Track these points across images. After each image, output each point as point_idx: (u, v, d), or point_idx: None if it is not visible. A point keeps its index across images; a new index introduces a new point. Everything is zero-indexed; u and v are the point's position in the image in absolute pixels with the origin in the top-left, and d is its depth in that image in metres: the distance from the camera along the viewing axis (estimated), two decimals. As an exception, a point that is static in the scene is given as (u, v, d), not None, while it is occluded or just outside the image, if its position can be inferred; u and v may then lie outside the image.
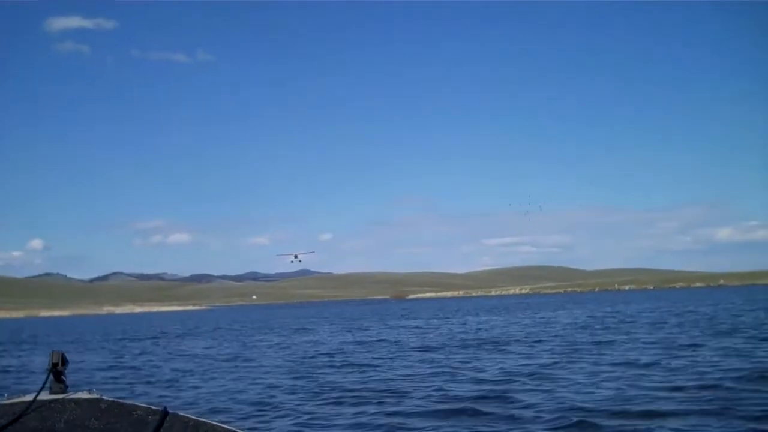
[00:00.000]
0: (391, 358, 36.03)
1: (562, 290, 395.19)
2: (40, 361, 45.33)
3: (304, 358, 39.05)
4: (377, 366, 32.27)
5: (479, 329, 60.96)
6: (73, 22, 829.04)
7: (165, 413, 4.88)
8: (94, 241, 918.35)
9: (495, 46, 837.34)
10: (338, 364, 33.87)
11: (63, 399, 5.09)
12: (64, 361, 5.29)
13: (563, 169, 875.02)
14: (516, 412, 18.56)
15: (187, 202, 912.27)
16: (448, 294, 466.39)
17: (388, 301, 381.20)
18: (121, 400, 5.13)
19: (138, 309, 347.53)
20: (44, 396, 5.11)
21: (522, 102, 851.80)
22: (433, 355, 37.12)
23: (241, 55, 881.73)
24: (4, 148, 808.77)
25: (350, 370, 30.88)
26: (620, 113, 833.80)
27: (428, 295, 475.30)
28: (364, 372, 30.00)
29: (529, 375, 25.98)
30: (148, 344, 61.78)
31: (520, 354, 35.04)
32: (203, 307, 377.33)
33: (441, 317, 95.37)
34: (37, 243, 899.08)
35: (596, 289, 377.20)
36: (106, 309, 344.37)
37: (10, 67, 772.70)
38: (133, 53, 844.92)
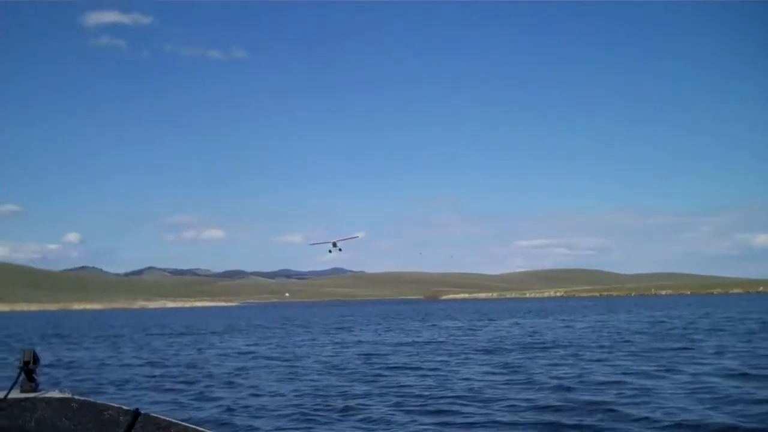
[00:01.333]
0: (457, 362, 34.44)
1: (597, 294, 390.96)
2: (78, 356, 44.29)
3: (363, 357, 37.57)
4: (446, 369, 30.70)
5: (533, 332, 59.26)
6: (110, 16, 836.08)
7: (137, 414, 4.87)
8: (129, 236, 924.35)
9: (526, 47, 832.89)
10: (402, 366, 32.37)
11: (34, 398, 5.07)
12: (36, 360, 5.28)
13: (598, 170, 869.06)
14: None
15: (221, 199, 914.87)
16: (482, 295, 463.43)
17: (421, 301, 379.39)
18: (92, 400, 5.10)
19: (170, 304, 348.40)
20: (15, 395, 5.08)
21: (557, 103, 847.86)
22: (500, 358, 35.51)
23: (275, 52, 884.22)
24: (41, 143, 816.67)
25: (420, 374, 29.35)
26: (657, 116, 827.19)
27: (461, 296, 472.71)
28: (436, 376, 28.43)
29: (622, 384, 24.29)
30: (190, 340, 60.73)
31: (597, 360, 33.24)
32: (236, 304, 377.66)
33: (485, 319, 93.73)
34: (73, 236, 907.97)
35: (632, 294, 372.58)
36: (139, 303, 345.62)
37: (46, 61, 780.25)
38: (168, 48, 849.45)
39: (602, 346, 41.01)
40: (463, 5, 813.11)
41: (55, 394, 5.18)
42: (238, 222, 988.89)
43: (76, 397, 5.12)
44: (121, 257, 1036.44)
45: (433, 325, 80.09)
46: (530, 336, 53.81)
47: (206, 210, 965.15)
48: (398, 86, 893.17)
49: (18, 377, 5.24)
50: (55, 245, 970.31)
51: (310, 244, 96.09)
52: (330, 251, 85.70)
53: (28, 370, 5.24)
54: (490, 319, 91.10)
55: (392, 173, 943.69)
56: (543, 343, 45.61)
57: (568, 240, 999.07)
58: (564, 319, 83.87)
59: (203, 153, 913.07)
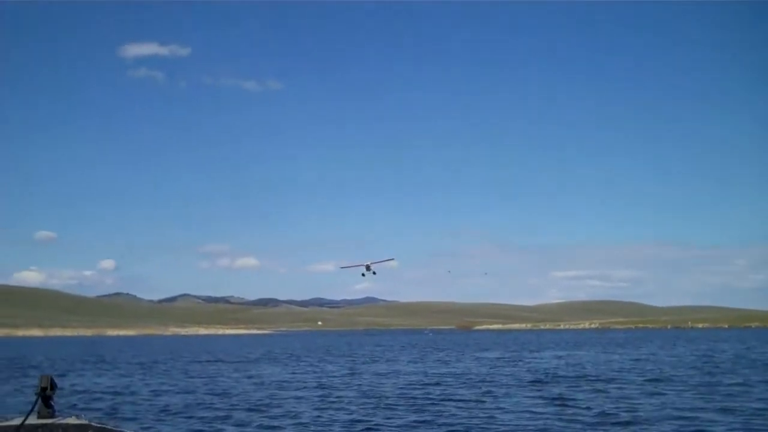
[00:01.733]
0: (503, 393, 32.90)
1: (632, 326, 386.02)
2: (107, 384, 43.31)
3: (406, 388, 36.20)
4: (491, 403, 29.22)
5: (578, 364, 57.52)
6: (149, 48, 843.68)
7: None
8: (163, 263, 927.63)
9: (560, 79, 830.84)
10: (446, 398, 30.95)
11: (51, 424, 5.06)
12: (53, 386, 5.28)
13: (632, 202, 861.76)
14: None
15: (255, 227, 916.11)
16: (516, 326, 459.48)
17: (454, 331, 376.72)
18: (109, 427, 5.20)
19: (203, 331, 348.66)
20: (32, 420, 5.07)
21: (592, 134, 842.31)
22: (556, 389, 33.93)
23: (309, 83, 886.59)
24: (78, 171, 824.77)
25: (461, 406, 27.90)
26: (692, 149, 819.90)
27: (495, 327, 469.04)
28: (479, 409, 26.94)
29: (684, 419, 22.72)
30: (223, 368, 59.71)
31: (652, 394, 31.56)
32: (268, 332, 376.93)
33: (526, 349, 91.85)
34: (108, 263, 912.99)
35: (668, 326, 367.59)
36: (172, 330, 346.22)
37: (84, 92, 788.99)
38: (205, 80, 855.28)
39: (655, 380, 39.36)
40: (496, 33, 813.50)
41: (72, 420, 5.11)
42: (272, 250, 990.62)
43: (94, 423, 5.12)
44: (155, 284, 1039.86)
45: (476, 357, 78.10)
46: (575, 368, 52.14)
47: (240, 238, 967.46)
48: (433, 114, 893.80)
49: (35, 403, 5.29)
50: (90, 271, 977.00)
51: (342, 267, 77.29)
52: (363, 275, 76.58)
53: (45, 396, 5.23)
54: (530, 350, 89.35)
55: (426, 203, 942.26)
56: (592, 375, 43.97)
57: (602, 271, 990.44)
58: (607, 352, 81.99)
59: (238, 181, 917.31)
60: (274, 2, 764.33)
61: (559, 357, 71.18)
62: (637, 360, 63.13)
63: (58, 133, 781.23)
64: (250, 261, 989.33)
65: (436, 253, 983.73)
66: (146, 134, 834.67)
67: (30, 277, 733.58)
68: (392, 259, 73.13)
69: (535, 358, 71.51)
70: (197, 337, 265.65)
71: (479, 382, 40.79)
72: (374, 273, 77.37)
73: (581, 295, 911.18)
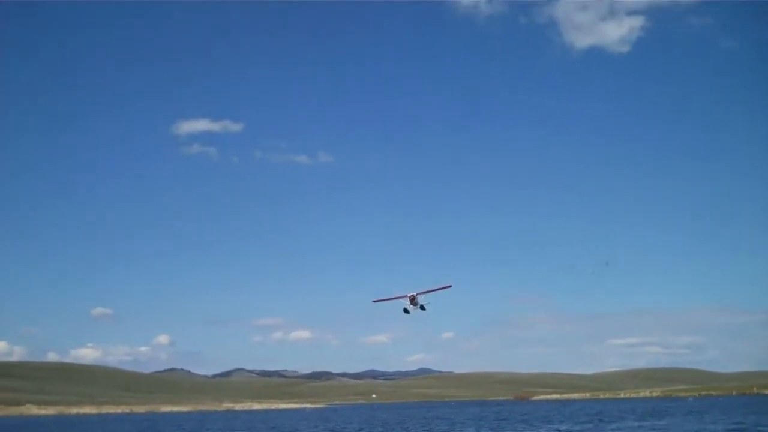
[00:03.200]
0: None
1: (696, 393, 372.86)
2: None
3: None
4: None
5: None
6: (201, 125, 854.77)
7: None
8: (217, 338, 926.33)
9: (618, 147, 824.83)
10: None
11: None
12: None
13: (690, 267, 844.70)
14: None
15: (308, 300, 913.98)
16: (574, 396, 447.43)
17: (511, 402, 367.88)
18: None
19: (257, 406, 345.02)
20: None
21: (650, 201, 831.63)
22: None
23: (359, 156, 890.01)
24: (134, 249, 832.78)
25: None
26: (751, 210, 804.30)
27: (553, 396, 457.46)
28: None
29: None
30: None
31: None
32: (323, 405, 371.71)
33: (596, 420, 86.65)
34: (163, 339, 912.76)
35: (733, 393, 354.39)
36: (226, 405, 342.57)
37: (140, 170, 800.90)
38: (257, 155, 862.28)
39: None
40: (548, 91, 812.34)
41: None
42: (325, 323, 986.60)
43: None
44: (210, 359, 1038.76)
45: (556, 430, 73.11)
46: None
47: (293, 311, 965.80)
48: (482, 182, 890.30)
49: None
50: (146, 347, 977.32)
51: (374, 301, 68.52)
52: (406, 311, 62.48)
53: None
54: (601, 420, 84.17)
55: (482, 271, 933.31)
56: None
57: (661, 338, 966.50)
58: (704, 421, 76.57)
59: (290, 254, 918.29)
60: (323, 77, 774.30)
61: (654, 429, 66.20)
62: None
63: (115, 211, 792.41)
64: (304, 334, 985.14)
65: (491, 322, 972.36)
66: (199, 210, 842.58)
67: (86, 354, 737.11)
68: (449, 286, 61.35)
69: (622, 430, 66.60)
70: (252, 411, 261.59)
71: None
72: (422, 308, 62.83)
73: (640, 363, 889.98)
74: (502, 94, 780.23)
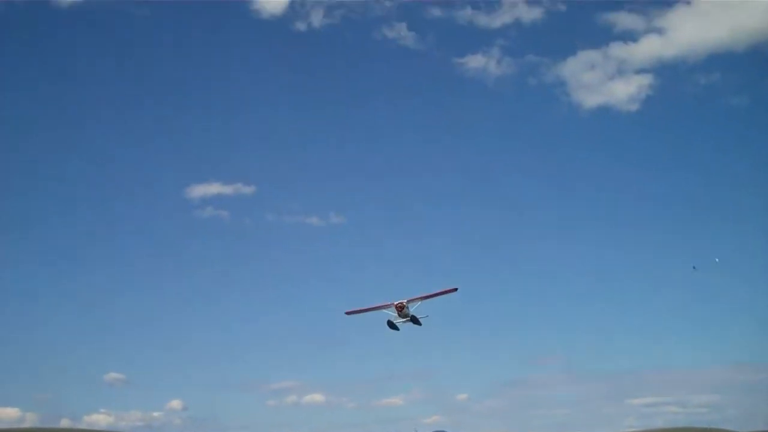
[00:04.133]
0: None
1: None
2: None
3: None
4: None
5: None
6: (213, 188, 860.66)
7: None
8: (231, 402, 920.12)
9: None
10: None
11: None
12: None
13: (707, 324, 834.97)
14: None
15: (322, 363, 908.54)
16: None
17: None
18: None
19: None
20: None
21: (667, 260, 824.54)
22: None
23: (370, 216, 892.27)
24: (148, 312, 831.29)
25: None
26: (766, 266, 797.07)
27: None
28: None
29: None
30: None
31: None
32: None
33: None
34: (176, 403, 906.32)
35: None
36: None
37: (153, 233, 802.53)
38: (270, 217, 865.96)
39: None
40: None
41: None
42: (338, 386, 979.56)
43: None
44: (224, 423, 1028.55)
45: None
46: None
47: (307, 375, 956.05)
48: (498, 245, 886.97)
49: None
50: (159, 413, 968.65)
51: (347, 313, 51.61)
52: (393, 326, 46.83)
53: None
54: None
55: (496, 331, 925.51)
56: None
57: (680, 397, 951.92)
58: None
59: (304, 316, 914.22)
60: (334, 140, 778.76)
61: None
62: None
63: (126, 275, 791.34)
64: (318, 397, 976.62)
65: (507, 383, 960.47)
66: (212, 273, 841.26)
67: (100, 419, 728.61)
68: (455, 289, 45.83)
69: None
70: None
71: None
72: (415, 321, 47.61)
73: (658, 423, 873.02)
74: (512, 153, 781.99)
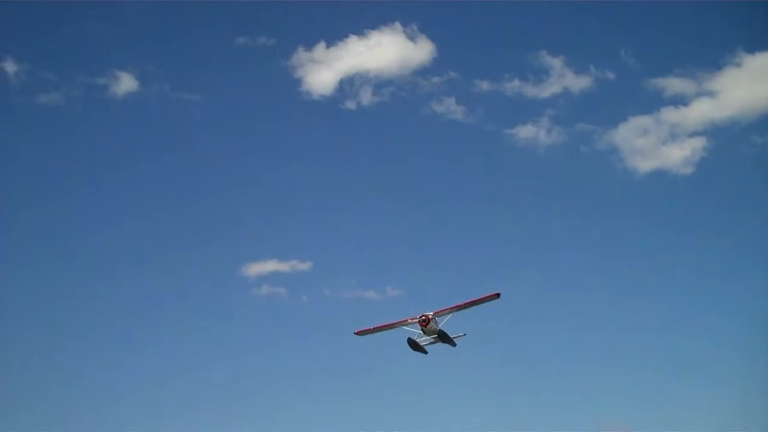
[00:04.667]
0: None
1: None
2: None
3: None
4: None
5: None
6: (270, 266, 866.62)
7: None
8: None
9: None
10: None
11: None
12: None
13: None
14: None
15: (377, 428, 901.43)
16: None
17: None
18: None
19: None
20: None
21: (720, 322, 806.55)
22: None
23: (426, 289, 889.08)
24: (206, 391, 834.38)
25: None
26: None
27: None
28: None
29: None
30: None
31: None
32: None
33: None
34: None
35: None
36: None
37: (210, 313, 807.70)
38: (326, 292, 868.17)
39: None
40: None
41: None
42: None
43: None
44: None
45: None
46: None
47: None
48: (554, 314, 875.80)
49: None
50: None
51: (356, 333, 43.46)
52: (415, 346, 38.48)
53: None
54: None
55: (555, 396, 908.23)
56: None
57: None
58: None
59: (367, 392, 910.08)
60: (388, 213, 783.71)
61: None
62: None
63: (183, 354, 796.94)
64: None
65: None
66: (270, 350, 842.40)
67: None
68: (496, 294, 37.43)
69: None
70: None
71: None
72: (446, 339, 40.26)
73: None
74: (567, 221, 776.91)
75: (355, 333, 44.11)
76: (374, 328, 42.41)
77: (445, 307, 39.35)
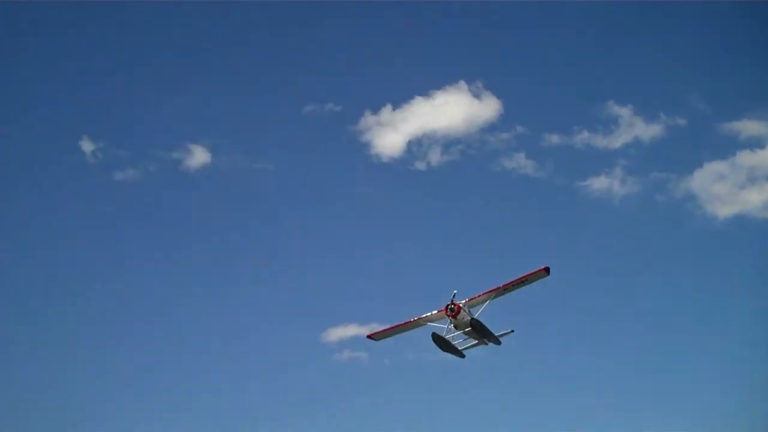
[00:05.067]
0: None
1: None
2: None
3: None
4: None
5: None
6: (350, 330, 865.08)
7: None
8: None
9: None
10: None
11: None
12: None
13: None
14: None
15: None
16: None
17: None
18: None
19: None
20: None
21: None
22: None
23: (504, 348, 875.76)
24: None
25: None
26: None
27: None
28: None
29: None
30: None
31: None
32: None
33: None
34: None
35: None
36: None
37: (293, 379, 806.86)
38: (408, 355, 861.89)
39: None
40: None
41: None
42: None
43: None
44: None
45: None
46: None
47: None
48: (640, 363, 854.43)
49: None
50: None
51: (368, 337, 36.53)
52: (444, 344, 32.06)
53: None
54: None
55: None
56: None
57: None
58: None
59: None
60: (460, 270, 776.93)
61: None
62: None
63: (268, 421, 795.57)
64: None
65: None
66: (352, 415, 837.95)
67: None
68: (545, 269, 30.72)
69: None
70: None
71: None
72: (488, 337, 33.25)
73: None
74: (649, 267, 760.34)
75: (367, 336, 38.48)
76: (391, 328, 36.27)
77: (478, 295, 31.89)
